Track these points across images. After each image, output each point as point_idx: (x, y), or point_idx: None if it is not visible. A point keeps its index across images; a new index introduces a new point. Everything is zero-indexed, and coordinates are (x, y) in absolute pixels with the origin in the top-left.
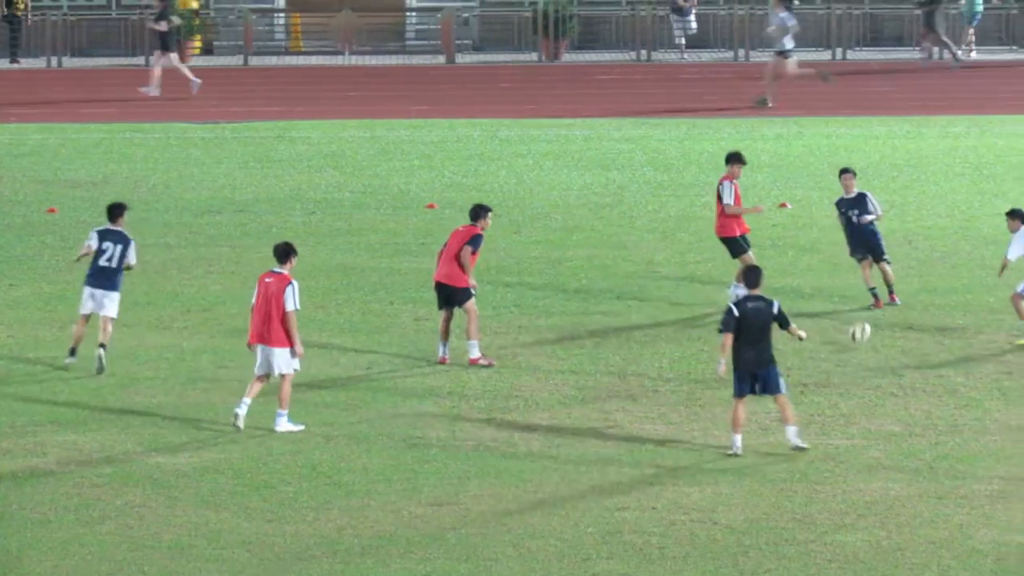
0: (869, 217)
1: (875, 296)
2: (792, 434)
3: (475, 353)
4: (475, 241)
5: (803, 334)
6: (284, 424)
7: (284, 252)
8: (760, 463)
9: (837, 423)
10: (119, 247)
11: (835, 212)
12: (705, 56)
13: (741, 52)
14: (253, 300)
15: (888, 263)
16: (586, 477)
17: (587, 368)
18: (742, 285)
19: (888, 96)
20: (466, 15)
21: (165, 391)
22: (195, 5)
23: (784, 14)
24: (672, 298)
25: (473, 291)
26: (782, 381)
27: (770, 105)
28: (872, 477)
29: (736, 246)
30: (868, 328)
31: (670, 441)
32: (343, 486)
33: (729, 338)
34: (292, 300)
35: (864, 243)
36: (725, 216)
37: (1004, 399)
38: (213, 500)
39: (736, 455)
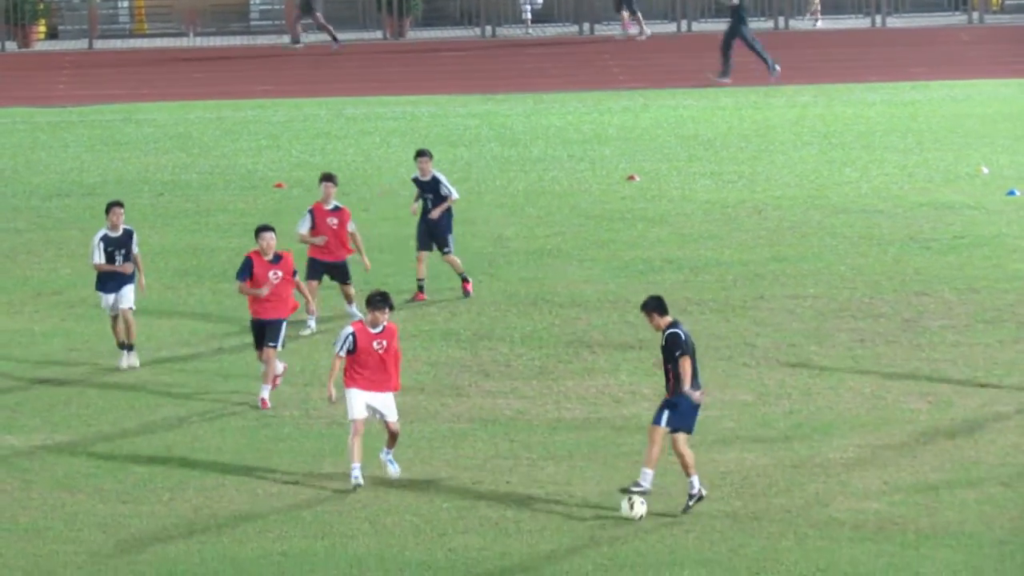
0: (438, 212)
1: (420, 289)
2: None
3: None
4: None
5: None
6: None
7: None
8: (613, 436)
9: None
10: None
11: (417, 191)
12: (550, 30)
13: (586, 26)
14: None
15: (452, 254)
16: (440, 453)
17: (438, 344)
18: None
19: (736, 67)
20: None
21: (18, 375)
22: None
23: None
24: (522, 272)
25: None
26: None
27: None
28: (727, 448)
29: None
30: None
31: (523, 415)
32: (198, 466)
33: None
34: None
35: (431, 234)
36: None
37: (857, 367)
38: (68, 482)
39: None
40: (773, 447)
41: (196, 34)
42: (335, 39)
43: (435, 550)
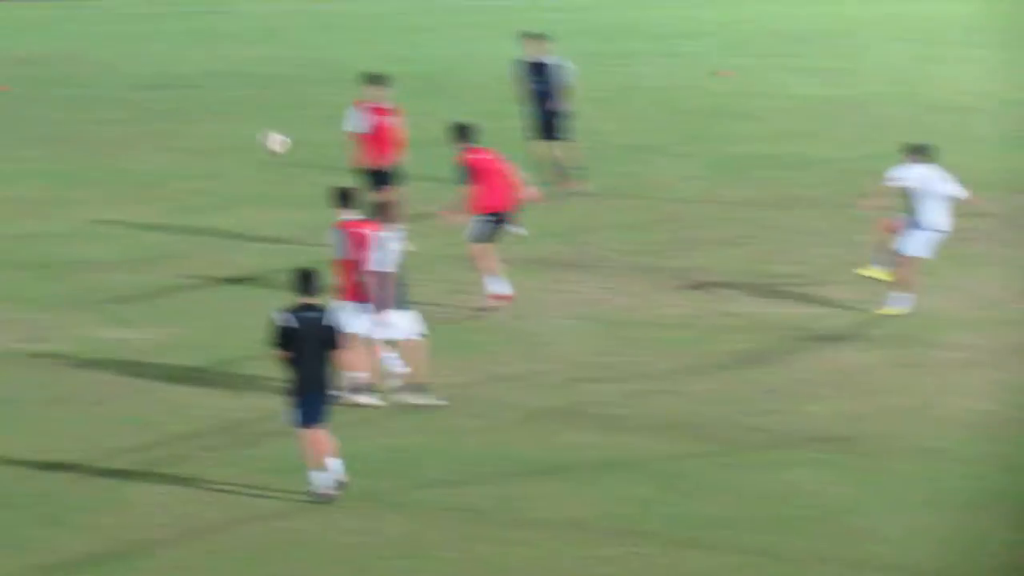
0: None
1: None
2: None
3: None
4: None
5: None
6: None
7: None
8: (720, 332)
9: (795, 292)
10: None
11: None
12: None
13: None
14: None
15: None
16: (548, 349)
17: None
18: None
19: None
20: None
21: (117, 267)
22: None
23: None
24: (619, 168)
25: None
26: None
27: None
28: (840, 346)
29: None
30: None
31: (626, 311)
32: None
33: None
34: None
35: None
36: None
37: (960, 267)
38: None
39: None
40: (885, 346)
41: None
42: None
43: (543, 445)
